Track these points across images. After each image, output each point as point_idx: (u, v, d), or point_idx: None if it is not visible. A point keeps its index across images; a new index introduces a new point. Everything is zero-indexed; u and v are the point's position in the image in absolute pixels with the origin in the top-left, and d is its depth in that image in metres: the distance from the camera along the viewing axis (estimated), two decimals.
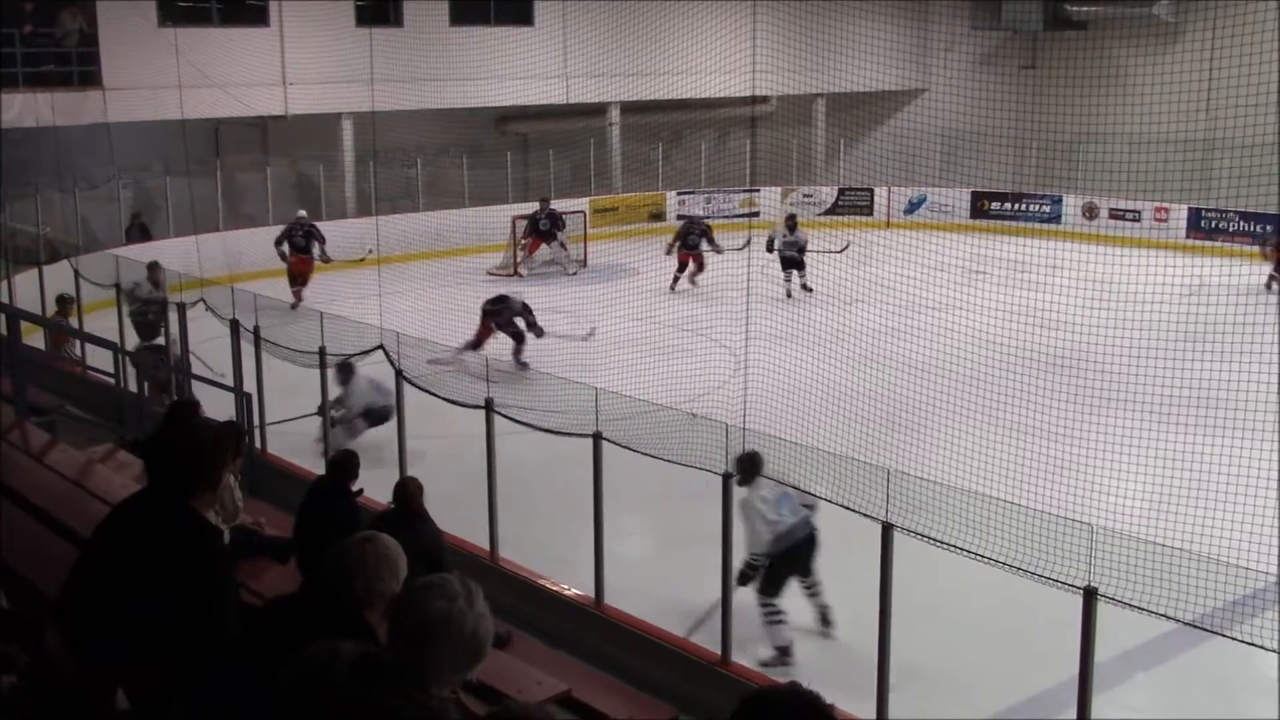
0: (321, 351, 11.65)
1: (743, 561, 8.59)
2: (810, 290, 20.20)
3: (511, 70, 24.80)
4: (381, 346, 11.33)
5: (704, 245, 21.61)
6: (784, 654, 8.66)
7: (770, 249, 20.67)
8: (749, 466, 8.51)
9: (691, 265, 21.69)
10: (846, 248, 19.01)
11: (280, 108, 23.73)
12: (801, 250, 20.37)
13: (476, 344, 15.82)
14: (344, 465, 8.09)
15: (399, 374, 11.03)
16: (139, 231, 22.87)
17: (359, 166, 25.21)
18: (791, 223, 20.79)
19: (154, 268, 15.95)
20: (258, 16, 23.57)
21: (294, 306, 18.84)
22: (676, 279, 21.53)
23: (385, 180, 25.27)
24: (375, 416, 12.39)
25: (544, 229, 23.59)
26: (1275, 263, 20.75)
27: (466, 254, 23.77)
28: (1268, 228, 21.72)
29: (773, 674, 8.34)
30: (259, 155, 25.03)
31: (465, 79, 24.35)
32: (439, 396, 11.08)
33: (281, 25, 23.57)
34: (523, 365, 15.99)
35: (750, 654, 8.51)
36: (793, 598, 8.96)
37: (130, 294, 15.51)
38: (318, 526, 7.46)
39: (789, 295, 20.21)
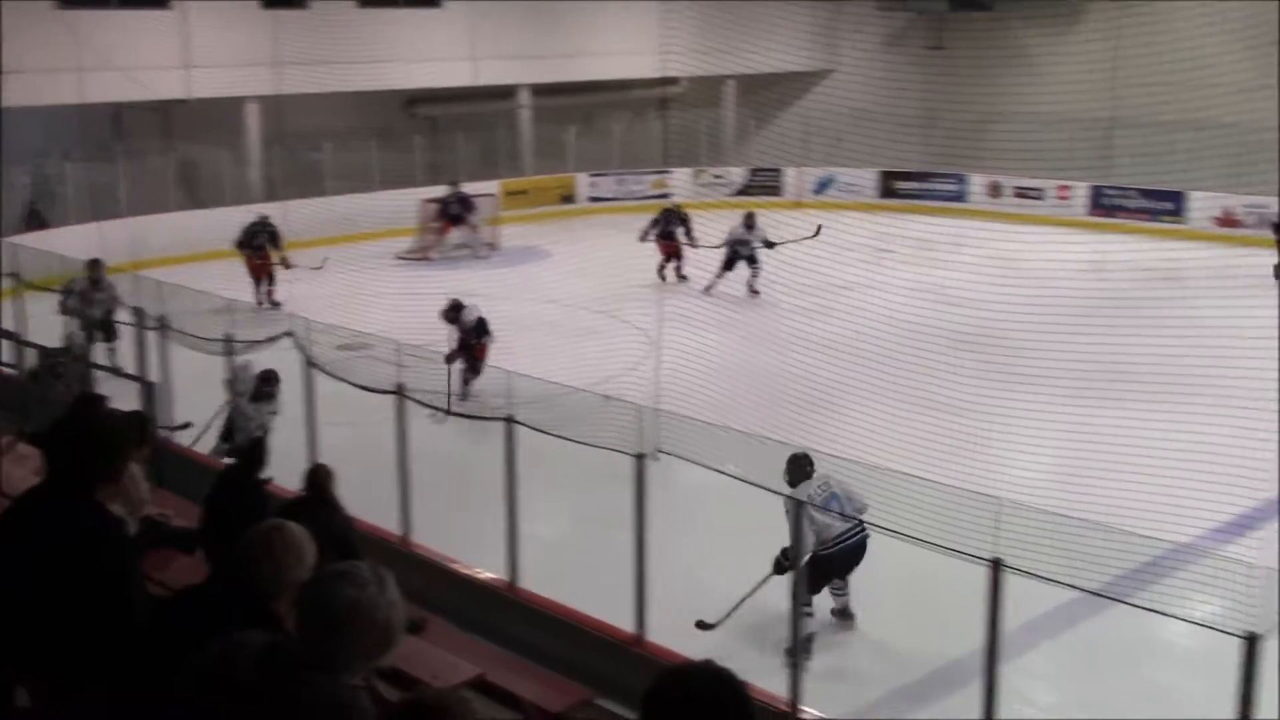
0: (228, 339, 11.49)
1: (780, 550, 8.49)
2: (757, 293, 19.67)
3: (420, 52, 24.59)
4: (290, 333, 11.20)
5: (680, 235, 20.91)
6: (806, 644, 8.41)
7: (730, 261, 19.98)
8: (797, 467, 8.57)
9: (666, 255, 20.91)
10: (818, 231, 18.64)
11: (183, 92, 23.29)
12: (766, 244, 19.57)
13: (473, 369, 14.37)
14: (252, 454, 8.00)
15: (308, 360, 10.92)
16: (35, 219, 22.33)
17: (265, 151, 24.84)
18: (750, 220, 19.96)
19: (94, 265, 15.34)
20: None
21: (275, 305, 18.51)
22: (662, 268, 20.81)
23: (292, 165, 24.94)
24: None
25: (454, 213, 23.43)
26: None
27: (376, 238, 23.54)
28: None
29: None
30: (162, 140, 24.55)
31: (373, 61, 24.08)
32: (350, 383, 11.00)
33: (184, 8, 23.12)
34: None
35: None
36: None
37: (65, 291, 15.07)
38: (225, 516, 7.36)
39: (708, 290, 19.73)
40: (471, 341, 14.47)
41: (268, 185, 24.52)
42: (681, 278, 20.62)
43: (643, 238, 20.65)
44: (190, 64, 23.09)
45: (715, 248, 19.88)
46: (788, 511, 8.31)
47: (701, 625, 8.44)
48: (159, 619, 3.68)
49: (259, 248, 19.41)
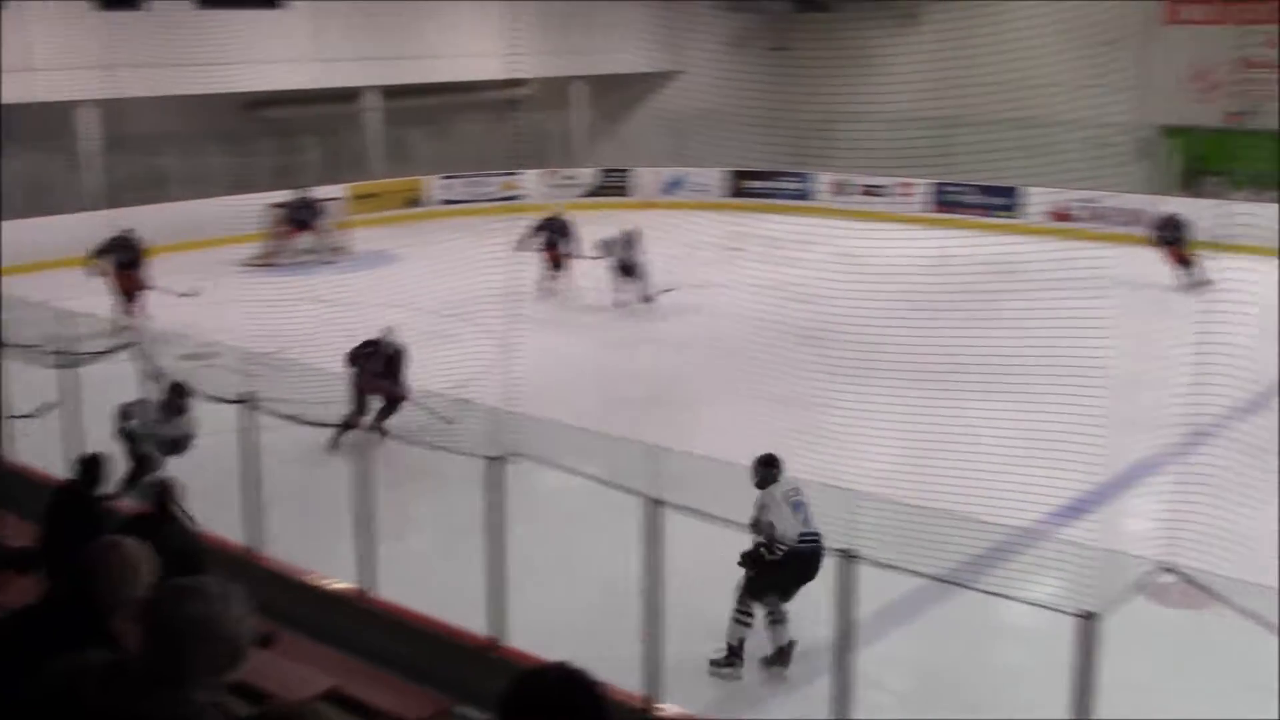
0: (66, 351, 11.13)
1: (756, 543, 8.40)
2: (651, 300, 18.94)
3: (262, 54, 24.11)
4: (133, 343, 10.91)
5: (561, 245, 20.06)
6: (735, 654, 8.40)
7: (622, 269, 19.17)
8: (766, 469, 8.53)
9: (549, 265, 20.03)
10: (672, 288, 18.31)
11: (14, 96, 22.44)
12: (635, 268, 18.97)
13: (358, 411, 12.43)
14: (91, 469, 7.77)
15: (154, 370, 10.65)
16: None
17: (104, 156, 24.10)
18: (629, 238, 19.16)
19: None
20: None
21: (128, 322, 17.30)
22: (547, 279, 19.97)
23: (132, 170, 24.23)
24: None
25: (301, 219, 23.04)
26: (1175, 261, 20.30)
27: (221, 244, 23.02)
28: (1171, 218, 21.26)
29: (721, 675, 8.27)
30: None
31: (214, 64, 23.51)
32: (196, 393, 10.75)
33: (14, 8, 22.28)
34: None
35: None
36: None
37: None
38: (65, 534, 7.14)
39: (616, 304, 19.16)
40: (398, 369, 13.03)
41: (107, 192, 23.79)
42: (552, 283, 20.05)
43: (520, 247, 19.01)
44: (21, 67, 22.27)
45: (594, 258, 19.50)
46: (761, 507, 8.31)
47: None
48: None
49: (124, 265, 18.39)
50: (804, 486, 8.53)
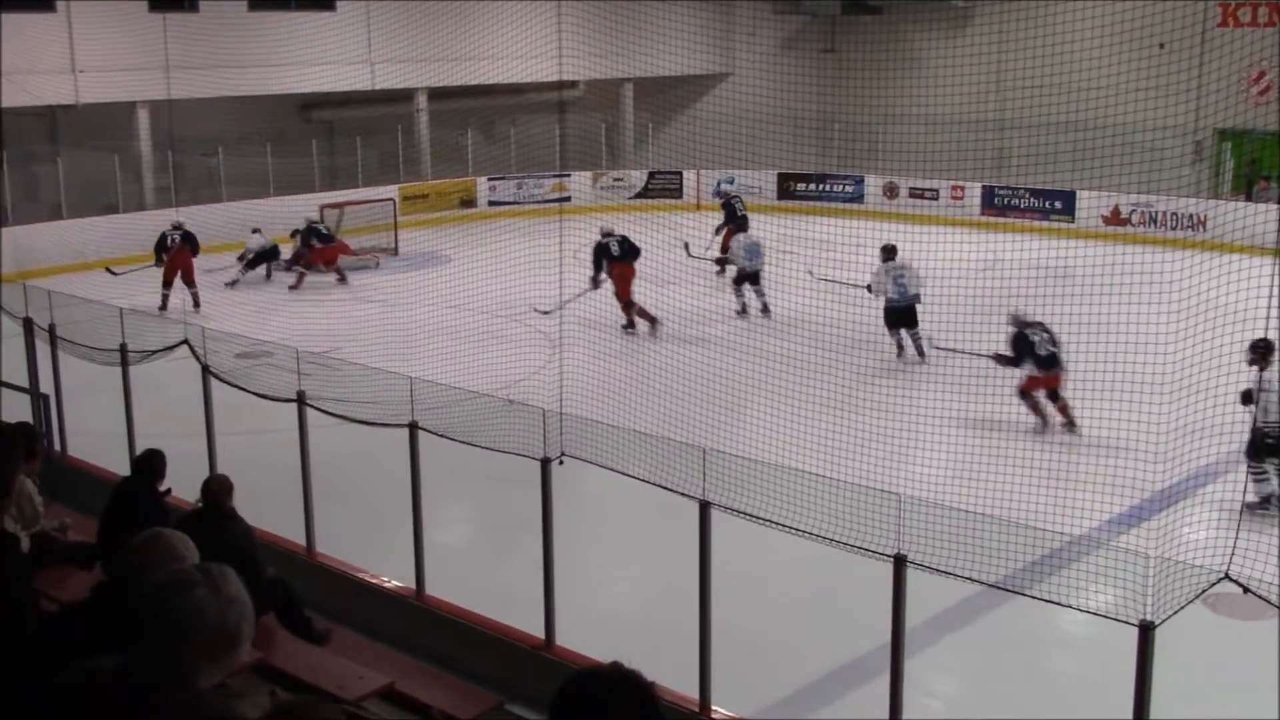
0: (123, 349, 11.25)
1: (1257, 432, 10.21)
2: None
3: (314, 56, 24.29)
4: (186, 342, 11.01)
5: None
6: (1266, 503, 10.23)
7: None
8: (1264, 353, 10.21)
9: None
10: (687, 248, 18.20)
11: (70, 97, 22.76)
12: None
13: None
14: (149, 465, 7.84)
15: (206, 369, 10.74)
16: None
17: (157, 156, 24.37)
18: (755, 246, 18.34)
19: None
20: (42, 1, 22.54)
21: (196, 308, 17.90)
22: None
23: (185, 170, 24.50)
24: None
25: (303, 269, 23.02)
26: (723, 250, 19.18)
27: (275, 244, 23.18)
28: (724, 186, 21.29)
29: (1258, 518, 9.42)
30: (48, 146, 23.97)
31: (266, 65, 23.77)
32: (249, 391, 10.83)
33: (69, 11, 22.60)
34: None
35: None
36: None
37: None
38: (123, 529, 7.20)
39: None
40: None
41: (160, 191, 24.07)
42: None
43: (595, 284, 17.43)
44: (77, 69, 22.58)
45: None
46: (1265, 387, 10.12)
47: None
48: (45, 636, 3.57)
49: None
50: None
